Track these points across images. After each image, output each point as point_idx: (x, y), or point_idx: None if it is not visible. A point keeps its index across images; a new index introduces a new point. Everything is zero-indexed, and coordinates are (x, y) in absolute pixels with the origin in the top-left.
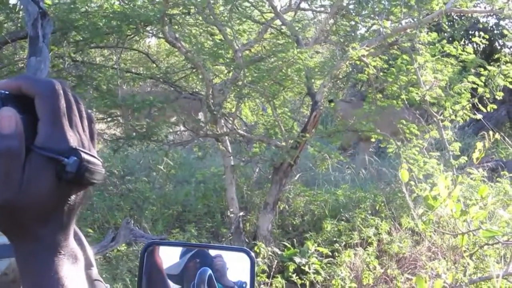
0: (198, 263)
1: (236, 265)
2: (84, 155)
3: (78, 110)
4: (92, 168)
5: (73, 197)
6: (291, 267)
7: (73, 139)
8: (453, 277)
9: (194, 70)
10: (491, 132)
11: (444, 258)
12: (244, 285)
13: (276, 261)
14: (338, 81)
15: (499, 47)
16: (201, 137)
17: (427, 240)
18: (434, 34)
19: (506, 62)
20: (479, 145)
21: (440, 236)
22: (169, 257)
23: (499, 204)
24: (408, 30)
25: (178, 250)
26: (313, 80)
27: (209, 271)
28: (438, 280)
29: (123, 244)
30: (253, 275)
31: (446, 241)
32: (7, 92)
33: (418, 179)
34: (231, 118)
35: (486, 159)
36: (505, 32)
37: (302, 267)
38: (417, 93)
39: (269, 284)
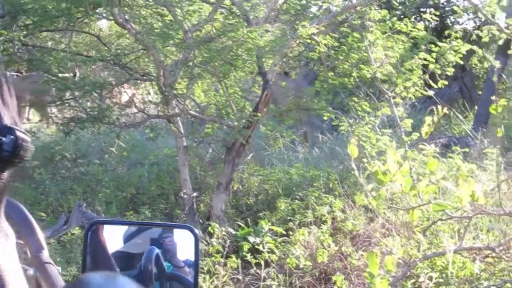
0: (145, 242)
1: (180, 243)
2: (19, 133)
3: (8, 89)
4: (25, 145)
5: (5, 175)
6: (246, 247)
7: (7, 118)
8: (407, 253)
9: (145, 52)
10: (439, 106)
11: (398, 235)
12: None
13: (230, 241)
14: (291, 61)
15: (450, 24)
16: (152, 118)
17: (381, 217)
18: (385, 12)
19: (457, 38)
20: (428, 119)
21: (394, 213)
22: (114, 236)
23: (452, 180)
24: (358, 8)
25: (124, 229)
26: (264, 59)
27: (156, 250)
28: (390, 255)
29: (76, 228)
30: (197, 251)
31: (400, 217)
32: None
33: (371, 156)
34: (182, 99)
35: (439, 136)
36: (456, 8)
37: (257, 247)
38: (368, 71)
39: (223, 264)
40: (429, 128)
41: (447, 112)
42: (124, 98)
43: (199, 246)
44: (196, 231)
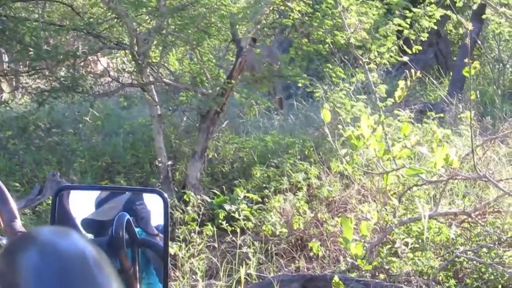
0: (115, 208)
1: (152, 208)
2: None
3: None
4: None
5: None
6: (221, 215)
7: None
8: (383, 218)
9: (118, 20)
10: (413, 71)
11: (374, 201)
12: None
13: (205, 209)
14: (265, 28)
15: None
16: (126, 87)
17: (357, 183)
18: None
19: (431, 3)
20: (402, 83)
21: (370, 179)
22: (84, 202)
23: (427, 145)
24: None
25: (95, 195)
26: (237, 27)
27: (127, 216)
28: (365, 221)
29: (51, 197)
30: (167, 216)
31: (376, 183)
32: None
33: (345, 123)
34: (156, 67)
35: (414, 102)
36: None
37: (232, 214)
38: (342, 37)
39: (199, 232)
40: (402, 92)
41: (420, 76)
42: (99, 67)
43: (168, 210)
44: (165, 195)
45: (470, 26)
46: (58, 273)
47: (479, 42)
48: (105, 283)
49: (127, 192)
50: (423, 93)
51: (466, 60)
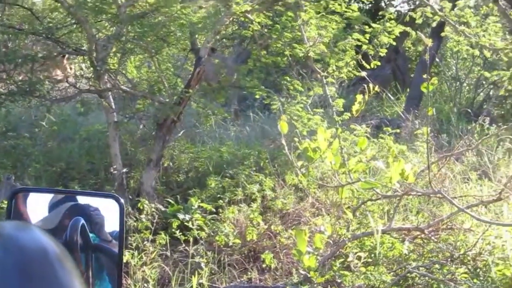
0: (70, 212)
1: (107, 214)
2: None
3: None
4: None
5: None
6: (175, 224)
7: None
8: (336, 232)
9: (77, 26)
10: (371, 85)
11: (328, 214)
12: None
13: (159, 217)
14: (224, 39)
15: (384, 6)
16: (84, 93)
17: (311, 196)
18: None
19: (390, 19)
20: (359, 97)
21: (325, 192)
22: (39, 205)
23: (383, 160)
24: None
25: (49, 198)
26: (196, 36)
27: (82, 221)
28: (318, 234)
29: (5, 201)
30: (122, 221)
31: (330, 197)
32: None
33: (302, 136)
34: (114, 74)
35: (371, 117)
36: None
37: (186, 224)
38: (300, 50)
39: (152, 240)
40: (360, 106)
41: (378, 91)
42: (58, 72)
43: (124, 216)
44: (122, 200)
45: (429, 42)
46: (18, 267)
47: (437, 59)
48: (65, 278)
49: (82, 197)
50: (380, 109)
51: (424, 76)
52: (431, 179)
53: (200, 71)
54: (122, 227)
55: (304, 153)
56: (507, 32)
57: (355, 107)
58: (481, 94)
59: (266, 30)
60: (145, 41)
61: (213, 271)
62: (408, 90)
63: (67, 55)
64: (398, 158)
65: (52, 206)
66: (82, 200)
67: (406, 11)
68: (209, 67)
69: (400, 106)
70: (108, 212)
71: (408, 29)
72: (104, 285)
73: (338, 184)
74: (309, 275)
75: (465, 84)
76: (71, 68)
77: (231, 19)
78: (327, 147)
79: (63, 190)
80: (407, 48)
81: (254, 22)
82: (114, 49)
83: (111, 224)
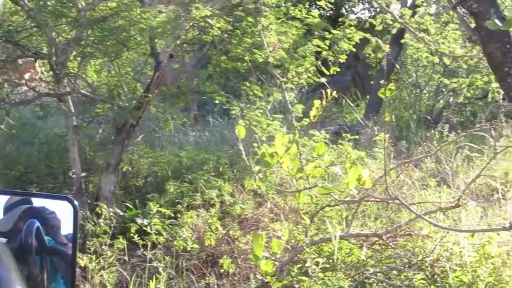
0: (25, 215)
1: (62, 216)
2: None
3: None
4: None
5: None
6: (133, 228)
7: None
8: (295, 237)
9: (37, 29)
10: (328, 90)
11: (286, 220)
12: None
13: (117, 222)
14: (185, 44)
15: (345, 13)
16: (43, 97)
17: (270, 202)
18: None
19: (350, 25)
20: (317, 102)
21: (283, 198)
22: None
23: (342, 166)
24: None
25: (4, 200)
26: (156, 41)
27: (37, 223)
28: (276, 239)
29: None
30: (76, 224)
31: (289, 202)
32: None
33: (261, 141)
34: (74, 78)
35: (330, 123)
36: None
37: (144, 228)
38: (260, 55)
39: (110, 245)
40: (317, 111)
41: (336, 96)
42: (27, 75)
43: (78, 218)
44: (76, 202)
45: (387, 48)
46: None
47: (398, 66)
48: (4, 274)
49: (38, 200)
50: (340, 115)
51: (381, 82)
52: (388, 185)
53: (159, 75)
54: (76, 230)
55: (262, 158)
56: (466, 40)
57: (313, 112)
58: (441, 101)
59: (226, 35)
60: (104, 45)
61: (171, 276)
62: (368, 96)
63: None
64: (355, 163)
65: (7, 209)
66: (37, 203)
67: (366, 18)
68: (169, 71)
69: (360, 113)
70: (64, 215)
71: (368, 35)
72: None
73: (295, 190)
74: (266, 280)
75: (425, 91)
76: (42, 72)
77: (191, 24)
78: (284, 152)
79: (17, 191)
80: (367, 55)
81: (214, 27)
82: (74, 53)
83: (67, 227)
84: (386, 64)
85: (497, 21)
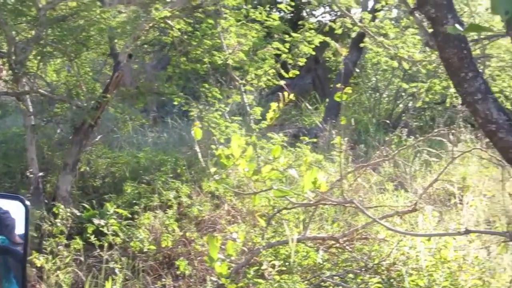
0: None
1: (16, 215)
2: None
3: None
4: None
5: None
6: (90, 229)
7: None
8: (251, 240)
9: None
10: (285, 93)
11: (244, 222)
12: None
13: (74, 222)
14: (145, 45)
15: (306, 16)
16: (1, 95)
17: (227, 204)
18: None
19: (310, 29)
20: (274, 105)
21: (241, 200)
22: None
23: (299, 169)
24: None
25: None
26: (116, 41)
27: None
28: (231, 241)
29: None
30: (27, 223)
31: (246, 205)
32: None
33: (219, 143)
34: (33, 77)
35: (289, 126)
36: (311, 0)
37: (101, 229)
38: (219, 57)
39: (67, 245)
40: (274, 114)
41: (294, 99)
42: None
43: (29, 217)
44: (27, 202)
45: (344, 51)
46: None
47: (357, 70)
48: None
49: None
50: (299, 118)
51: (338, 85)
52: (344, 188)
53: (118, 76)
54: (27, 229)
55: (218, 160)
56: (424, 45)
57: (270, 114)
58: (400, 105)
59: (186, 37)
60: (64, 45)
61: (127, 277)
62: (327, 100)
63: None
64: (311, 166)
65: None
66: None
67: (327, 22)
68: (128, 72)
69: (319, 116)
70: (18, 215)
71: (327, 39)
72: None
73: (252, 192)
74: (220, 282)
75: (384, 95)
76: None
77: (151, 25)
78: (241, 154)
79: None
80: (327, 59)
81: (174, 29)
82: (33, 52)
83: (22, 227)
84: (345, 68)
85: (457, 25)
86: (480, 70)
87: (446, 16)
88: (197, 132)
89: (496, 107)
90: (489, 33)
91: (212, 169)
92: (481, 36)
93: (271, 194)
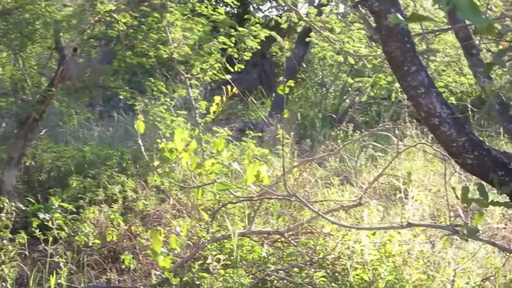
0: None
1: None
2: None
3: None
4: None
5: None
6: (35, 223)
7: None
8: (197, 234)
9: None
10: (229, 87)
11: (189, 216)
12: None
13: (19, 216)
14: (91, 39)
15: (253, 11)
16: None
17: (173, 198)
18: None
19: (256, 23)
20: (217, 98)
21: (186, 194)
22: None
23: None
24: None
25: None
26: (61, 34)
27: None
28: (174, 234)
29: None
30: None
31: (192, 199)
32: None
33: (165, 137)
34: None
35: (235, 120)
36: None
37: (46, 223)
38: (165, 51)
39: (12, 239)
40: (217, 107)
41: (238, 92)
42: None
43: None
44: None
45: (286, 44)
46: None
47: (304, 65)
48: None
49: None
50: (245, 113)
51: (280, 79)
52: (287, 182)
53: (63, 70)
54: None
55: (161, 154)
56: (368, 39)
57: (213, 108)
58: (347, 100)
59: (131, 30)
60: (9, 38)
61: (72, 271)
62: (274, 94)
63: None
64: (254, 160)
65: None
66: None
67: (273, 16)
68: (74, 66)
69: (265, 111)
70: None
71: (273, 33)
72: None
73: (195, 186)
74: (164, 276)
75: (331, 90)
76: None
77: (96, 18)
78: (184, 147)
79: None
80: (274, 54)
81: (120, 22)
82: None
83: None
84: (292, 63)
85: (399, 15)
86: (424, 64)
87: (389, 10)
88: (140, 125)
89: (439, 101)
90: (434, 28)
91: (156, 163)
92: (425, 30)
93: (215, 188)
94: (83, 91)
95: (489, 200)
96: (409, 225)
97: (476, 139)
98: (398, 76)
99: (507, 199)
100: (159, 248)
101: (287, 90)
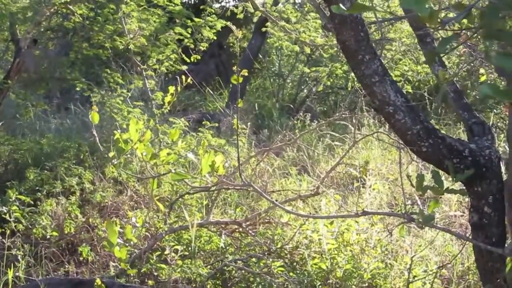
0: None
1: None
2: None
3: None
4: None
5: None
6: None
7: None
8: (154, 225)
9: None
10: (183, 77)
11: (147, 208)
12: None
13: None
14: (48, 31)
15: (209, 1)
16: None
17: (130, 189)
18: None
19: (212, 13)
20: (171, 89)
21: (144, 185)
22: None
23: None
24: None
25: None
26: (17, 27)
27: None
28: (129, 225)
29: None
30: None
31: (149, 190)
32: None
33: (122, 128)
34: None
35: (192, 112)
36: None
37: (3, 216)
38: (121, 42)
39: None
40: (172, 97)
41: (193, 83)
42: None
43: None
44: None
45: (240, 34)
46: None
47: (261, 56)
48: None
49: None
50: (203, 104)
51: (234, 68)
52: (242, 172)
53: (20, 62)
54: None
55: (116, 144)
56: (322, 28)
57: (167, 98)
58: (304, 90)
59: (88, 22)
60: None
61: (29, 264)
62: (231, 85)
63: None
64: (209, 150)
65: None
66: None
67: (230, 6)
68: (30, 58)
69: (223, 101)
70: None
71: (229, 24)
72: None
73: (150, 176)
74: (120, 267)
75: (288, 80)
76: None
77: (52, 10)
78: (139, 138)
79: None
80: (231, 44)
81: (76, 14)
82: None
83: None
84: (248, 53)
85: (341, 5)
86: (379, 53)
87: None
88: (94, 116)
89: (393, 89)
90: (390, 16)
91: (111, 154)
92: (380, 19)
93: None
94: (40, 83)
95: (445, 188)
96: (364, 213)
97: (431, 126)
98: (352, 64)
99: (463, 187)
100: (115, 239)
101: (240, 79)
